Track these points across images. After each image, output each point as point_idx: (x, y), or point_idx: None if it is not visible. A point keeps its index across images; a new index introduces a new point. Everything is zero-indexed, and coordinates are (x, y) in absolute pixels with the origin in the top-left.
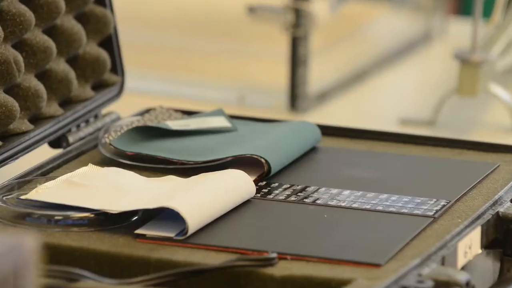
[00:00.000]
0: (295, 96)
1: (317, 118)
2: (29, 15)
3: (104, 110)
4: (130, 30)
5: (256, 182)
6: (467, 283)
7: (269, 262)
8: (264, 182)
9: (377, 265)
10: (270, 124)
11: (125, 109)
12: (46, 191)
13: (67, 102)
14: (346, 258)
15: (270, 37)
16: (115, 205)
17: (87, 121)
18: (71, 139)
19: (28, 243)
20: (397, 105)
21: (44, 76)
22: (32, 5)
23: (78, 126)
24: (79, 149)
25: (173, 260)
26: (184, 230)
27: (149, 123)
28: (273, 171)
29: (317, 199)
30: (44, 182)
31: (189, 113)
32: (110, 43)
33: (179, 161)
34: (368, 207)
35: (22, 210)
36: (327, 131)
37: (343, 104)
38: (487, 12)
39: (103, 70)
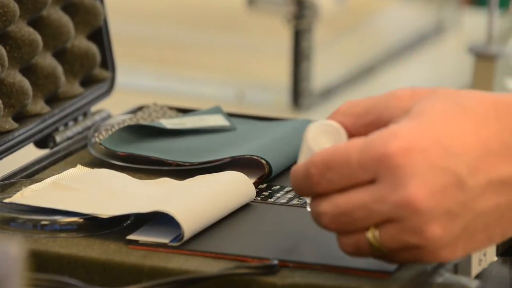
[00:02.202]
0: (298, 93)
1: (321, 116)
2: (13, 5)
3: (93, 108)
4: (122, 22)
5: (256, 184)
6: None
7: (270, 270)
8: (265, 185)
9: (386, 273)
10: (271, 123)
11: (116, 106)
12: (31, 194)
13: (54, 99)
14: (353, 265)
15: (271, 30)
16: (106, 209)
17: (75, 120)
18: (58, 138)
19: (12, 250)
20: None
21: (29, 71)
22: None
23: (66, 125)
24: (67, 149)
25: (167, 267)
26: (179, 236)
27: (142, 122)
28: (274, 172)
29: None
30: (30, 185)
31: (184, 111)
32: (100, 36)
33: (174, 162)
34: None
35: (6, 215)
36: None
37: None
38: (504, 2)
39: (93, 64)
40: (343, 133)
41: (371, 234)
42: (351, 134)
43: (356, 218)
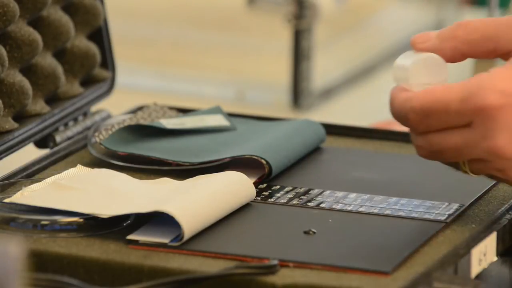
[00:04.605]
0: (298, 93)
1: (321, 116)
2: (13, 5)
3: (93, 108)
4: (122, 22)
5: (256, 184)
6: None
7: (270, 269)
8: (265, 185)
9: (385, 273)
10: (271, 123)
11: (116, 106)
12: (31, 194)
13: (54, 99)
14: (353, 265)
15: (271, 29)
16: (106, 209)
17: (75, 119)
18: (58, 138)
19: (12, 250)
20: None
21: (29, 71)
22: None
23: (66, 125)
24: (67, 149)
25: (167, 267)
26: (179, 236)
27: (142, 122)
28: (274, 172)
29: (321, 202)
30: (30, 185)
31: (184, 111)
32: (100, 36)
33: (174, 162)
34: (375, 211)
35: (6, 215)
36: (332, 130)
37: (349, 101)
38: (504, 2)
39: (93, 64)
40: (444, 68)
41: (462, 162)
42: (465, 57)
43: (449, 157)
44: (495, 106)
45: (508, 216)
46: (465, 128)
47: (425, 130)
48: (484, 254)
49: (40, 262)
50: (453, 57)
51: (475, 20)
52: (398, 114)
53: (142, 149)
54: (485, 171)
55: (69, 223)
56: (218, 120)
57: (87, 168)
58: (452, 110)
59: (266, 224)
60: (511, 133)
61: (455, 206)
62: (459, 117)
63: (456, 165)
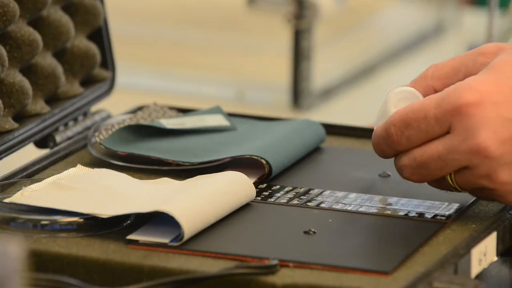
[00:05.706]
0: (298, 93)
1: (321, 116)
2: (13, 5)
3: (93, 108)
4: (122, 22)
5: (256, 184)
6: None
7: (270, 269)
8: (265, 185)
9: (385, 273)
10: (271, 123)
11: (116, 106)
12: (31, 194)
13: (54, 99)
14: (352, 265)
15: (271, 29)
16: (106, 209)
17: (75, 119)
18: (58, 138)
19: (12, 250)
20: None
21: (29, 71)
22: None
23: (66, 125)
24: (67, 149)
25: (167, 267)
26: (179, 236)
27: (142, 122)
28: (274, 172)
29: (321, 202)
30: (30, 185)
31: (184, 111)
32: (100, 36)
33: (174, 162)
34: (375, 211)
35: (6, 215)
36: (332, 130)
37: (349, 101)
38: (504, 2)
39: (93, 64)
40: (420, 98)
41: (448, 177)
42: None
43: (434, 169)
44: (471, 103)
45: (508, 216)
46: (445, 136)
47: (406, 144)
48: (484, 254)
49: (40, 262)
50: (427, 96)
51: (443, 61)
52: (380, 136)
53: (142, 149)
54: (473, 180)
55: (69, 223)
56: (218, 120)
57: (87, 168)
58: (430, 116)
59: (266, 224)
60: (492, 129)
61: (455, 206)
62: (438, 123)
63: (444, 184)
